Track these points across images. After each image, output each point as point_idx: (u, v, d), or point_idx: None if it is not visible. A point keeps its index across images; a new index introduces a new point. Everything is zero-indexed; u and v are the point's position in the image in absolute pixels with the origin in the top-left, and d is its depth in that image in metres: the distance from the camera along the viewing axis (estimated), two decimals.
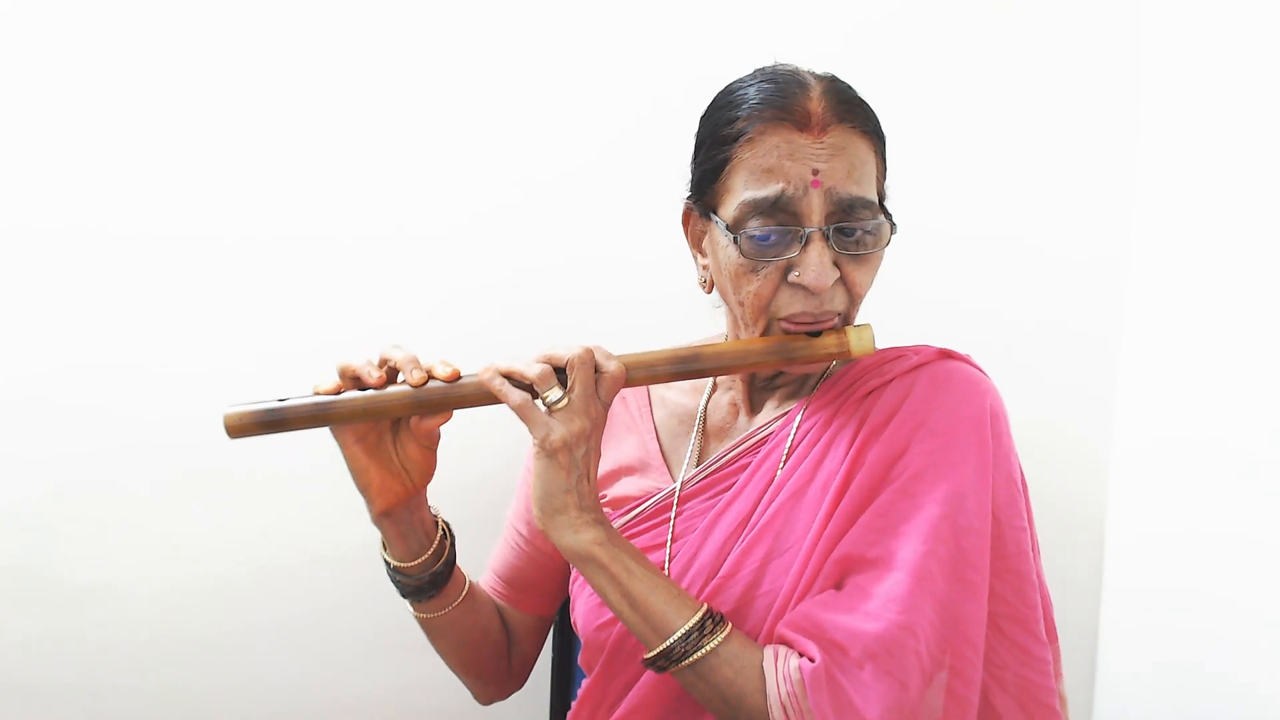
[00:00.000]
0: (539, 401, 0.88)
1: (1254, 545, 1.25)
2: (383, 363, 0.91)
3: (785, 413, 1.00)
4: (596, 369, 0.88)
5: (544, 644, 1.19)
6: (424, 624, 1.05)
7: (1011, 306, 1.48)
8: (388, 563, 1.00)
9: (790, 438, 0.97)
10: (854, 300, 0.93)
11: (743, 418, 1.04)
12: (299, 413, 0.89)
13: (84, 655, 1.42)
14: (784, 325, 0.92)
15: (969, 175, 1.46)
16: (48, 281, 1.36)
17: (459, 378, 0.91)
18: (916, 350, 0.98)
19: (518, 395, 0.88)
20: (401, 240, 1.42)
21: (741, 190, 0.90)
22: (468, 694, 1.17)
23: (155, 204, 1.37)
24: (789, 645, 0.87)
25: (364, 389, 0.91)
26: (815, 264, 0.88)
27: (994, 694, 0.91)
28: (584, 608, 1.01)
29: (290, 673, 1.47)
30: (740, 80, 0.95)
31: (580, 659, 1.04)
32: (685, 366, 0.92)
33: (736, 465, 0.98)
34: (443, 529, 1.01)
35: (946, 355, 0.98)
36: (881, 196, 0.95)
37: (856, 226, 0.90)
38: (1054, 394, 1.50)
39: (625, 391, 1.10)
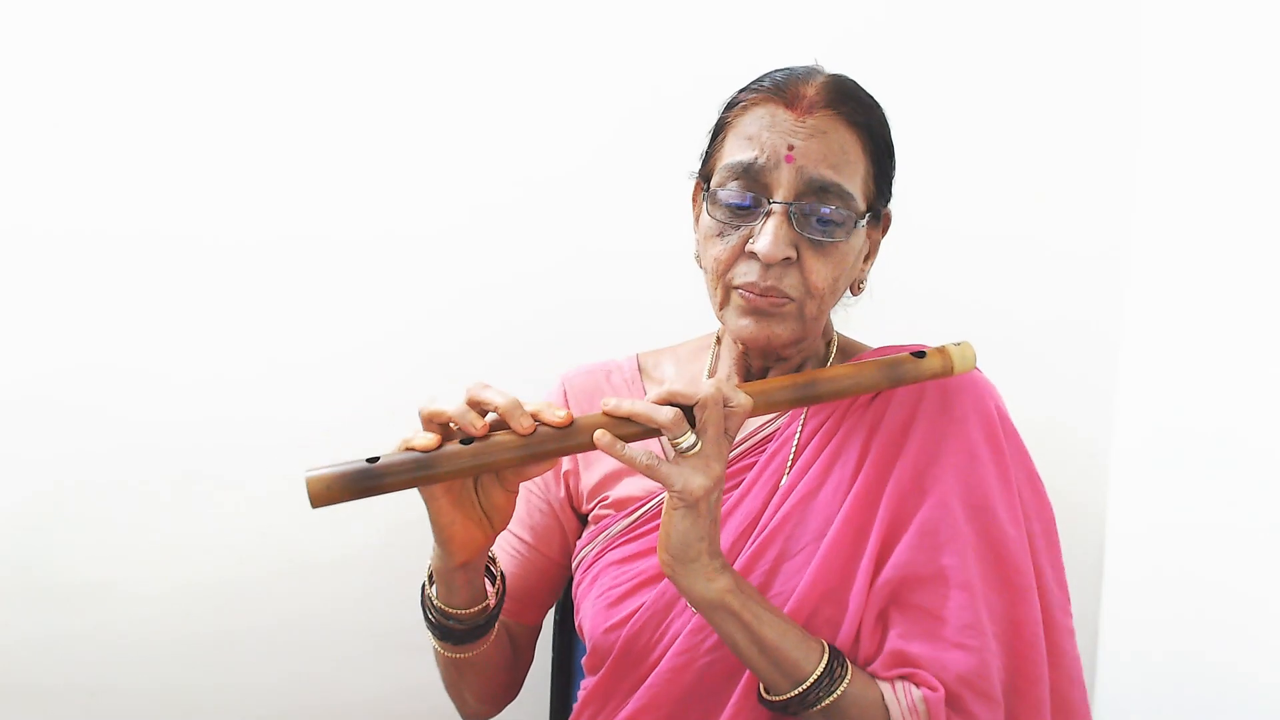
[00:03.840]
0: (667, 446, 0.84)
1: (1253, 534, 1.26)
2: (474, 404, 0.82)
3: (789, 411, 1.00)
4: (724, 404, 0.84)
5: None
6: (456, 664, 0.99)
7: (1013, 302, 1.50)
8: (442, 611, 0.93)
9: (797, 437, 0.98)
10: (810, 290, 0.92)
11: None
12: (397, 472, 0.79)
13: (84, 655, 1.42)
14: (738, 294, 0.93)
15: (971, 172, 1.48)
16: (49, 283, 1.36)
17: (572, 423, 0.83)
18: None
19: (645, 458, 0.82)
20: (404, 241, 1.43)
21: (727, 154, 0.93)
22: None
23: (156, 206, 1.37)
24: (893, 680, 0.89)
25: (464, 439, 0.82)
26: (769, 234, 0.89)
27: (1053, 678, 0.94)
28: (591, 611, 1.00)
29: (290, 673, 1.47)
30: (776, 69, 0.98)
31: (585, 661, 1.04)
32: (802, 393, 0.90)
33: (742, 464, 0.99)
34: (500, 578, 0.97)
35: None
36: (869, 200, 0.95)
37: (823, 213, 0.90)
38: (1055, 386, 1.52)
39: (620, 386, 1.10)
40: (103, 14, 1.33)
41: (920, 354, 0.93)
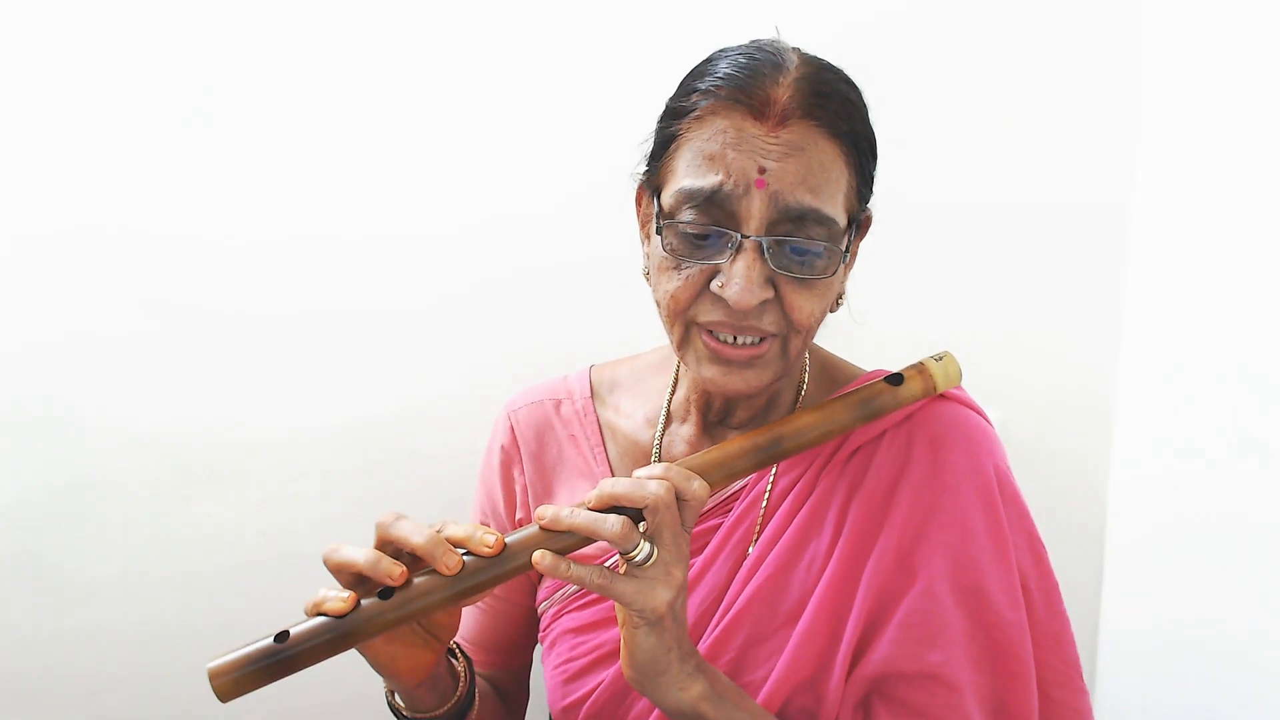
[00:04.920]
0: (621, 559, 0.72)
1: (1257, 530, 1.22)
2: (386, 543, 0.71)
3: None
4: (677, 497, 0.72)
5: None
6: None
7: (1011, 305, 1.45)
8: (413, 717, 0.83)
9: (766, 497, 0.86)
10: (794, 326, 0.78)
11: None
12: (312, 645, 0.70)
13: (83, 654, 1.44)
14: (705, 336, 0.79)
15: (969, 173, 1.42)
16: (49, 282, 1.35)
17: (504, 549, 0.71)
18: None
19: (596, 577, 0.71)
20: (404, 244, 1.40)
21: (682, 175, 0.77)
22: None
23: (156, 206, 1.35)
24: None
25: (383, 590, 0.71)
26: (740, 278, 0.75)
27: None
28: (550, 683, 0.92)
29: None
30: (726, 48, 0.82)
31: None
32: (766, 454, 0.78)
33: (706, 525, 0.87)
34: (460, 654, 0.87)
35: (937, 396, 0.86)
36: (850, 214, 0.79)
37: (802, 244, 0.76)
38: (1055, 384, 1.47)
39: (571, 419, 0.97)
40: (110, 13, 1.30)
41: (897, 378, 0.80)
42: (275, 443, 1.42)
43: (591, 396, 0.98)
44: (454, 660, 0.86)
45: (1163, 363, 1.38)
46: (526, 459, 0.97)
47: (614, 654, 0.87)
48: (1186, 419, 1.33)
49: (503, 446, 0.99)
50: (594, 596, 0.90)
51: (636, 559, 0.70)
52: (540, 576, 0.98)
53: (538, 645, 1.05)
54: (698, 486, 0.72)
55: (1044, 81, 1.39)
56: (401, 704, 0.83)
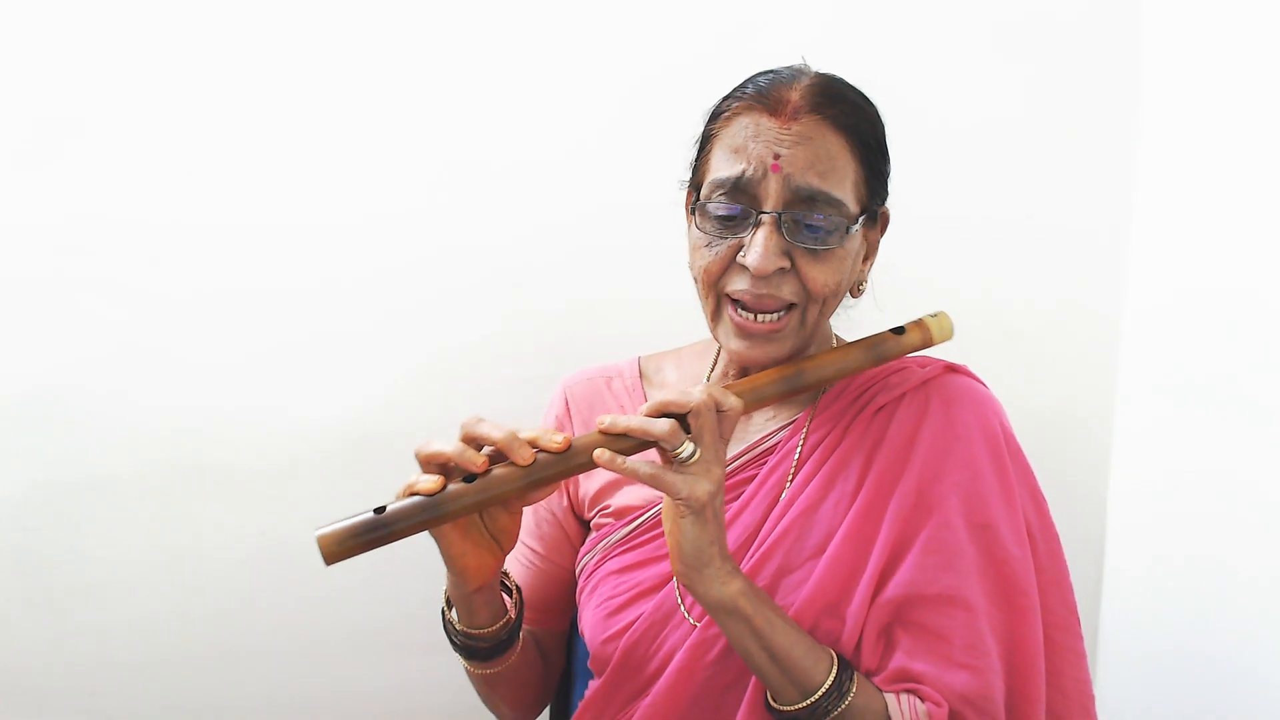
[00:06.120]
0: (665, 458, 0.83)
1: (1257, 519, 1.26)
2: (470, 440, 0.83)
3: (788, 423, 1.00)
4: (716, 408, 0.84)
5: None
6: (487, 679, 1.00)
7: (1016, 296, 1.49)
8: (465, 633, 0.94)
9: (799, 450, 0.97)
10: (811, 295, 0.92)
11: (740, 422, 1.02)
12: (406, 518, 0.80)
13: (83, 654, 1.42)
14: (732, 309, 0.92)
15: (973, 158, 1.46)
16: (48, 282, 1.35)
17: (570, 446, 0.83)
18: (920, 362, 0.99)
19: (647, 468, 0.82)
20: (408, 237, 1.42)
21: (715, 168, 0.91)
22: (467, 692, 1.12)
23: (149, 201, 1.36)
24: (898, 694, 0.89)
25: (466, 476, 0.82)
26: (759, 247, 0.88)
27: (1056, 703, 0.94)
28: (591, 619, 1.00)
29: (290, 670, 1.47)
30: (761, 71, 0.96)
31: (589, 663, 1.04)
32: (791, 384, 0.92)
33: (742, 476, 0.98)
34: (516, 590, 0.98)
35: (950, 369, 1.00)
36: (862, 202, 0.93)
37: (813, 220, 0.89)
38: (1058, 375, 1.51)
39: (621, 393, 1.09)
40: (91, 8, 1.31)
41: (900, 330, 0.94)
42: (275, 442, 1.42)
43: (640, 377, 1.10)
44: (506, 597, 0.96)
45: (1166, 336, 1.41)
46: (578, 425, 1.08)
47: (654, 589, 0.97)
48: (1189, 393, 1.36)
49: (557, 415, 1.10)
50: (638, 541, 1.00)
51: (681, 455, 0.82)
52: (582, 537, 1.08)
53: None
54: (733, 401, 0.85)
55: (1043, 76, 1.46)
56: (456, 619, 0.93)
